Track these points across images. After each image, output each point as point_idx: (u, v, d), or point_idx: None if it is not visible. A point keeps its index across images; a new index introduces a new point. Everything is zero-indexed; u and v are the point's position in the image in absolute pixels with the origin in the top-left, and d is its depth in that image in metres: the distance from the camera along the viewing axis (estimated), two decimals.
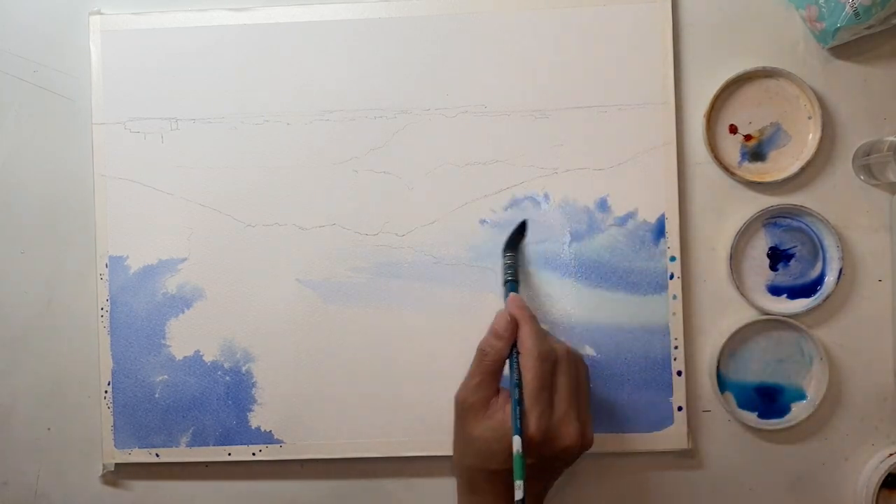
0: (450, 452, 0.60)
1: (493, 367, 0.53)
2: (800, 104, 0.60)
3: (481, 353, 0.54)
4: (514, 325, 0.54)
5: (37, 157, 0.63)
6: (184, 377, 0.61)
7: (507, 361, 0.53)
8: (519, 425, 0.50)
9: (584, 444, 0.52)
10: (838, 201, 0.60)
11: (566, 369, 0.52)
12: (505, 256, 0.59)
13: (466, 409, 0.53)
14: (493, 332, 0.54)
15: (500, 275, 0.59)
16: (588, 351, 0.60)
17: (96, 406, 0.62)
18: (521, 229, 0.60)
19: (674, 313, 0.60)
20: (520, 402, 0.51)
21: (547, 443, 0.51)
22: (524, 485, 0.49)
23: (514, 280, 0.57)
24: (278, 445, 0.61)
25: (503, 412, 0.52)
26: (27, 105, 0.63)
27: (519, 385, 0.52)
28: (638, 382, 0.60)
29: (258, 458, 0.61)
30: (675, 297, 0.60)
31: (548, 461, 0.52)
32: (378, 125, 0.61)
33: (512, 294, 0.56)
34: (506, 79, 0.61)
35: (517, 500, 0.49)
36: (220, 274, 0.61)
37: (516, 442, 0.50)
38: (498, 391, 0.53)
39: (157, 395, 0.61)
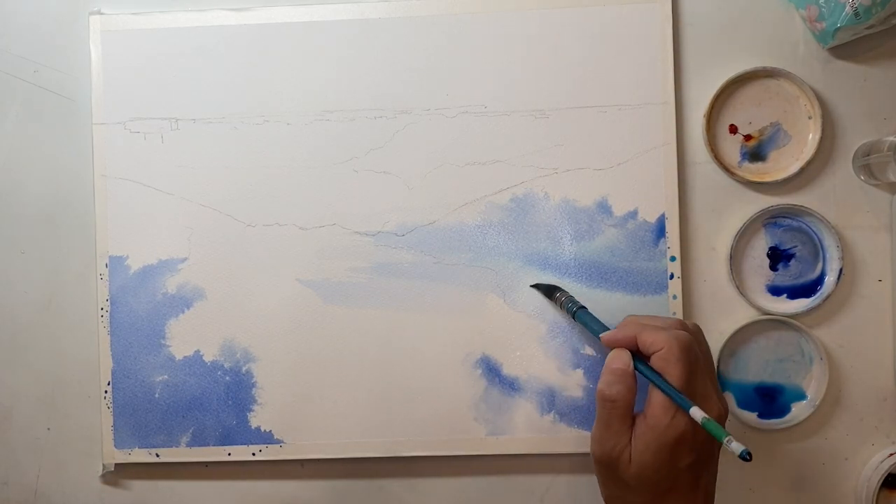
0: (450, 452, 0.60)
1: (626, 406, 0.51)
2: (800, 104, 0.60)
3: (609, 402, 0.51)
4: (628, 355, 0.52)
5: (37, 157, 0.63)
6: (184, 377, 0.61)
7: (642, 374, 0.52)
8: (684, 401, 0.49)
9: (724, 411, 0.51)
10: (838, 201, 0.60)
11: (697, 349, 0.51)
12: (555, 298, 0.58)
13: (616, 457, 0.51)
14: (611, 371, 0.52)
15: (562, 312, 0.59)
16: (588, 351, 0.60)
17: (96, 406, 0.62)
18: (546, 289, 0.60)
19: (674, 313, 0.60)
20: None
21: (699, 430, 0.49)
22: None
23: (580, 307, 0.57)
24: (278, 445, 0.61)
25: (647, 424, 0.50)
26: (27, 105, 0.63)
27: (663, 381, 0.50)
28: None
29: (258, 458, 0.61)
30: (675, 297, 0.60)
31: (704, 446, 0.50)
32: (378, 125, 0.61)
33: (603, 334, 0.54)
34: (506, 79, 0.61)
35: (741, 452, 0.46)
36: (220, 274, 0.61)
37: (695, 412, 0.48)
38: (633, 423, 0.51)
39: (157, 395, 0.61)
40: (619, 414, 0.51)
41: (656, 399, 0.50)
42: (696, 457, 0.50)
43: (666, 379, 0.50)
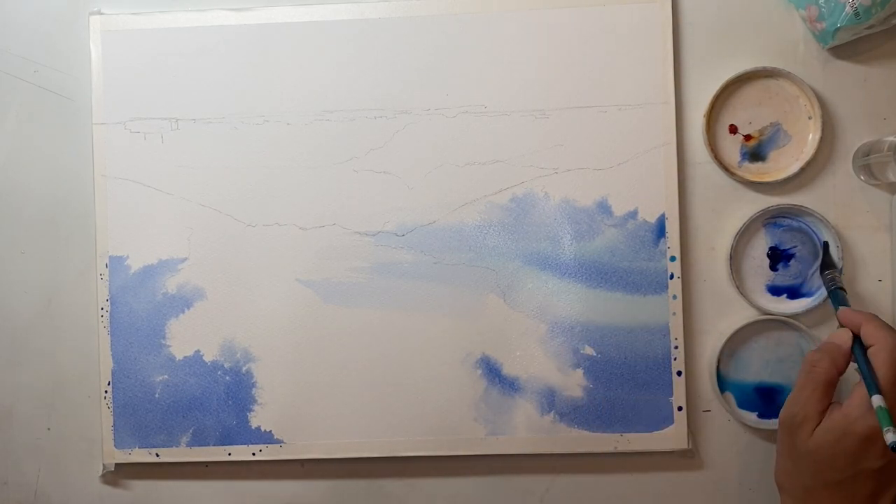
0: (450, 452, 0.60)
1: (827, 376, 0.51)
2: (800, 104, 0.60)
3: (810, 364, 0.51)
4: (849, 336, 0.52)
5: (37, 157, 0.63)
6: (184, 377, 0.61)
7: (854, 360, 0.51)
8: (874, 387, 0.48)
9: None
10: (838, 201, 0.60)
11: None
12: (824, 275, 0.58)
13: (798, 423, 0.51)
14: (827, 346, 0.52)
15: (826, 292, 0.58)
16: (588, 351, 0.60)
17: (96, 406, 0.62)
18: (825, 248, 0.59)
19: (674, 313, 0.60)
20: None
21: None
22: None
23: (841, 288, 0.57)
24: (278, 445, 0.61)
25: (840, 411, 0.50)
26: (27, 105, 0.63)
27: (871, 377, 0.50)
28: (638, 382, 0.60)
29: (258, 458, 0.61)
30: (675, 297, 0.60)
31: (894, 463, 0.49)
32: (378, 125, 0.61)
33: (841, 308, 0.54)
34: (506, 79, 0.61)
35: (892, 443, 0.46)
36: (220, 274, 0.61)
37: (876, 399, 0.48)
38: (830, 403, 0.51)
39: (157, 395, 0.61)
40: (815, 380, 0.51)
41: (858, 391, 0.50)
42: (881, 465, 0.49)
43: (872, 370, 0.50)
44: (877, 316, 0.52)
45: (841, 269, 0.58)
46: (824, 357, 0.51)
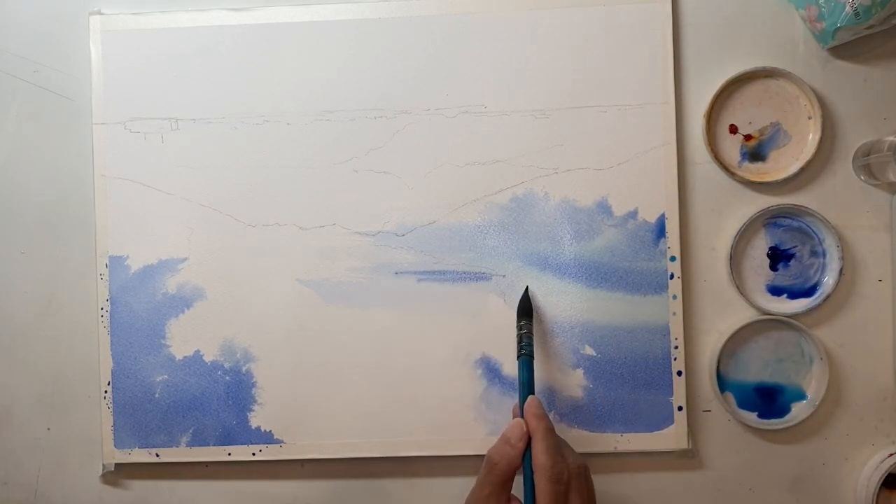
0: (450, 452, 0.60)
1: (503, 477, 0.51)
2: (800, 104, 0.60)
3: (490, 462, 0.52)
4: (528, 435, 0.52)
5: (37, 157, 0.63)
6: (184, 377, 0.61)
7: (522, 472, 0.52)
8: None
9: None
10: (838, 201, 0.60)
11: (578, 487, 0.51)
12: (519, 325, 0.58)
13: None
14: (505, 440, 0.52)
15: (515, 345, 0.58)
16: (588, 351, 0.60)
17: (96, 406, 0.62)
18: (527, 294, 0.59)
19: (674, 313, 0.60)
20: None
21: None
22: None
23: (528, 355, 0.56)
24: (278, 445, 0.61)
25: None
26: (27, 105, 0.63)
27: (532, 501, 0.51)
28: (638, 382, 0.60)
29: (258, 458, 0.61)
30: (675, 297, 0.60)
31: None
32: (378, 125, 0.61)
33: (530, 399, 0.54)
34: (506, 79, 0.61)
35: None
36: (220, 274, 0.61)
37: None
38: (509, 501, 0.52)
39: (157, 395, 0.61)
40: (492, 482, 0.51)
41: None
42: None
43: (534, 495, 0.50)
44: (550, 430, 0.52)
45: (530, 320, 0.57)
46: (502, 459, 0.52)
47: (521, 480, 0.52)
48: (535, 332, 0.59)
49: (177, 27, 0.62)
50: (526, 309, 0.58)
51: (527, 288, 0.59)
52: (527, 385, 0.55)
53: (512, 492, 0.52)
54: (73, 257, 0.62)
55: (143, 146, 0.61)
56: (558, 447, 0.52)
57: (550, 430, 0.52)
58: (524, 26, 0.60)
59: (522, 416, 0.53)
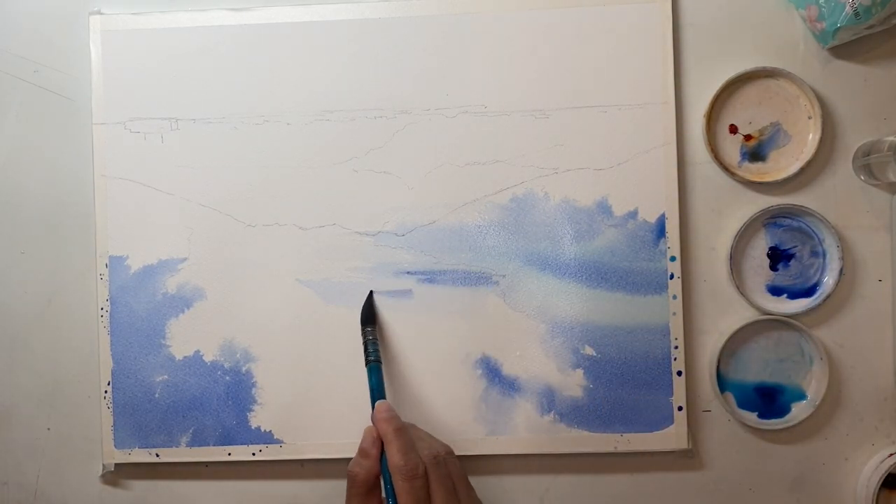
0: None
1: (366, 487, 0.52)
2: (800, 104, 0.60)
3: (351, 475, 0.52)
4: (381, 440, 0.52)
5: (37, 157, 0.63)
6: (184, 377, 0.61)
7: (382, 479, 0.52)
8: None
9: None
10: (838, 201, 0.60)
11: (438, 477, 0.51)
12: (364, 332, 0.58)
13: None
14: (360, 451, 0.53)
15: (363, 354, 0.58)
16: (588, 351, 0.60)
17: (96, 406, 0.62)
18: (370, 300, 0.59)
19: (674, 313, 0.60)
20: None
21: None
22: None
23: (376, 361, 0.56)
24: (278, 445, 0.61)
25: None
26: (27, 105, 0.63)
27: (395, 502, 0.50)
28: (638, 382, 0.60)
29: (258, 458, 0.61)
30: (675, 297, 0.60)
31: None
32: (378, 125, 0.61)
33: (377, 404, 0.54)
34: (506, 79, 0.61)
35: None
36: (220, 274, 0.61)
37: None
38: None
39: (157, 395, 0.61)
40: (358, 492, 0.52)
41: None
42: None
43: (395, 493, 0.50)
44: (400, 430, 0.52)
45: (374, 326, 0.57)
46: (361, 469, 0.52)
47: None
48: (532, 332, 0.59)
49: (177, 27, 0.62)
50: (369, 316, 0.59)
51: (370, 293, 0.60)
52: (376, 391, 0.56)
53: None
54: (73, 257, 0.62)
55: (143, 146, 0.61)
56: (411, 444, 0.52)
57: (400, 430, 0.52)
58: (524, 26, 0.60)
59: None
